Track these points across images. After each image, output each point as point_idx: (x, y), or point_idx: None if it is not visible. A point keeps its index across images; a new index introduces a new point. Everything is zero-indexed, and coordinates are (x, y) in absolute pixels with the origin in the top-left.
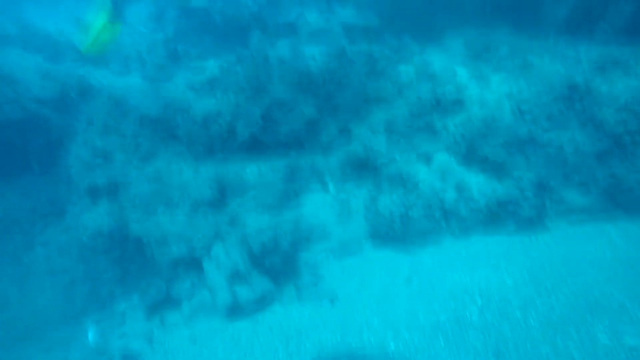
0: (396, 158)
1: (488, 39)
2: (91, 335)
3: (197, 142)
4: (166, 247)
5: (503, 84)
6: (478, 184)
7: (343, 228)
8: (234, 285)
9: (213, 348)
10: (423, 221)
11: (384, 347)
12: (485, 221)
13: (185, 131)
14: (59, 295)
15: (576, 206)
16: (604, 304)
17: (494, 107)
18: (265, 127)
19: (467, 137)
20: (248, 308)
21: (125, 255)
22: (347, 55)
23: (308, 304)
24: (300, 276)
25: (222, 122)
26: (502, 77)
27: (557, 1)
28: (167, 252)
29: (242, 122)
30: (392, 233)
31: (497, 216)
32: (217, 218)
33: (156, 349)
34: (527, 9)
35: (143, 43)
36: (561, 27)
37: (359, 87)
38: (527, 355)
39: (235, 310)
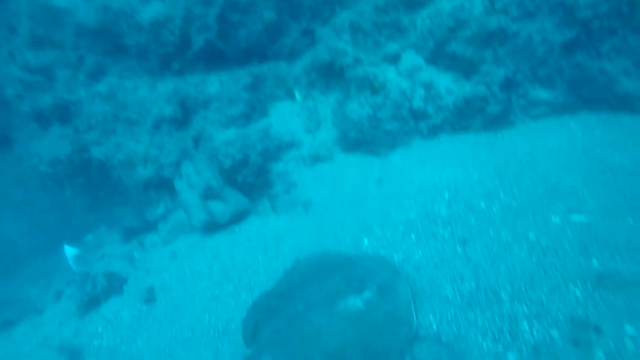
0: (362, 59)
1: None
2: (71, 261)
3: (149, 54)
4: (133, 169)
5: None
6: (446, 82)
7: (312, 135)
8: (208, 202)
9: (194, 262)
10: (392, 122)
11: (358, 245)
12: (453, 120)
13: (133, 42)
14: (30, 228)
15: (541, 100)
16: (559, 189)
17: None
18: (222, 31)
19: (435, 32)
20: (224, 223)
21: (91, 181)
22: None
23: (283, 213)
24: (273, 186)
25: (173, 29)
26: None
27: None
28: (135, 175)
29: (195, 27)
30: (362, 137)
31: (464, 114)
32: (182, 135)
33: (138, 267)
34: None
35: None
36: None
37: None
38: (490, 240)
39: (211, 226)
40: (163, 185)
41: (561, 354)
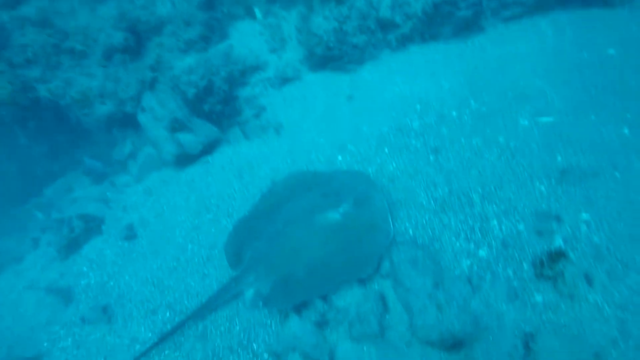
0: None
1: None
2: (43, 209)
3: None
4: (90, 107)
5: None
6: None
7: (277, 55)
8: (176, 135)
9: (170, 195)
10: (359, 36)
11: (332, 162)
12: (422, 29)
13: None
14: None
15: (512, 0)
16: (527, 92)
17: None
18: None
19: None
20: (196, 154)
21: (45, 125)
22: None
23: (255, 138)
24: (242, 113)
25: None
26: None
27: None
28: (93, 113)
29: None
30: (329, 53)
31: (433, 21)
32: (138, 65)
33: (114, 207)
34: None
35: None
36: None
37: None
38: (461, 147)
39: (183, 159)
40: (127, 122)
41: (526, 245)
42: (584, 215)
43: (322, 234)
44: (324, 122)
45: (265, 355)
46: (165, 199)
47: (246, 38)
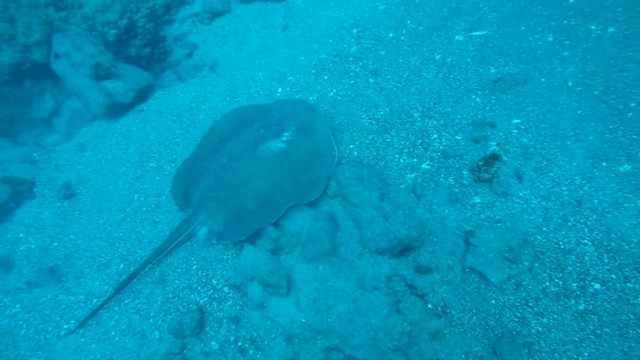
0: None
1: None
2: None
3: None
4: None
5: None
6: None
7: None
8: (102, 83)
9: (107, 149)
10: None
11: (273, 95)
12: None
13: None
14: None
15: None
16: (462, 7)
17: None
18: None
19: None
20: (129, 103)
21: None
22: None
23: (190, 79)
24: (172, 54)
25: None
26: None
27: None
28: None
29: None
30: None
31: None
32: (37, 1)
33: (44, 167)
34: None
35: None
36: None
37: None
38: (400, 67)
39: (115, 109)
40: (40, 73)
41: (464, 152)
42: (515, 120)
43: (268, 164)
44: (260, 55)
45: (226, 289)
46: (102, 153)
47: None
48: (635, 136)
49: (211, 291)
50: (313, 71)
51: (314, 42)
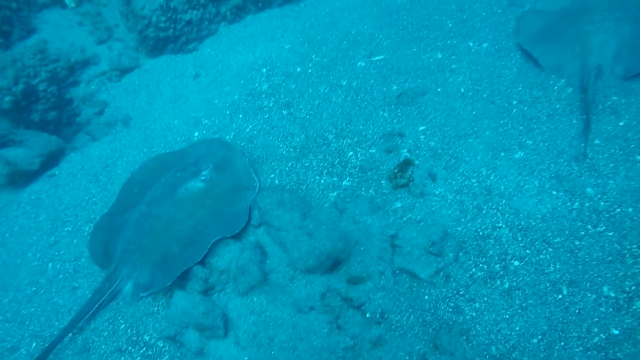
0: None
1: None
2: None
3: None
4: None
5: None
6: None
7: (107, 46)
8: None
9: (11, 221)
10: (190, 12)
11: (190, 140)
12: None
13: None
14: None
15: None
16: (359, 38)
17: None
18: None
19: None
20: (36, 169)
21: None
22: None
23: (103, 137)
24: (82, 114)
25: None
26: None
27: None
28: None
29: None
30: (164, 34)
31: None
32: None
33: None
34: None
35: None
36: None
37: None
38: (311, 97)
39: (19, 177)
40: None
41: (380, 164)
42: (421, 127)
43: (189, 205)
44: (174, 104)
45: (160, 343)
46: (6, 226)
47: (62, 31)
48: (521, 127)
49: (144, 349)
50: (228, 112)
51: (226, 86)
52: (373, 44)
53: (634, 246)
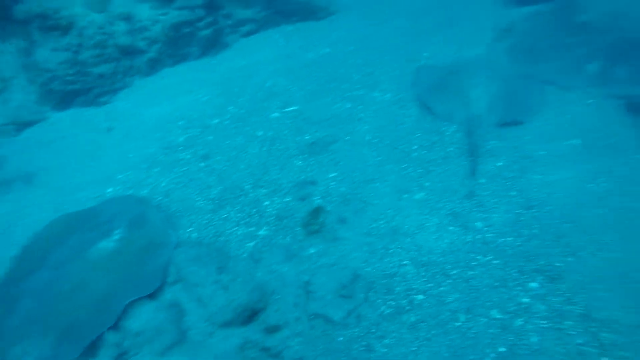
0: None
1: None
2: None
3: None
4: None
5: None
6: (147, 11)
7: (2, 99)
8: None
9: None
10: (102, 65)
11: (102, 196)
12: (170, 51)
13: None
14: None
15: (246, 19)
16: (274, 90)
17: None
18: None
19: None
20: None
21: None
22: None
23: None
24: None
25: None
26: None
27: None
28: None
29: None
30: (72, 87)
31: (179, 42)
32: None
33: None
34: None
35: None
36: None
37: None
38: (228, 148)
39: None
40: None
41: (294, 211)
42: (332, 174)
43: (100, 266)
44: (85, 159)
45: None
46: None
47: None
48: (421, 170)
49: None
50: (143, 166)
51: (141, 139)
52: (287, 95)
53: (513, 271)
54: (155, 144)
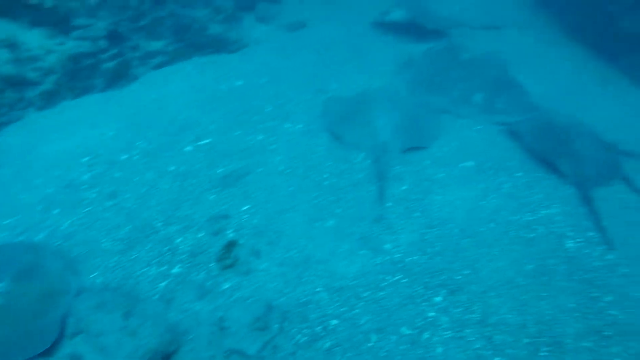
0: None
1: None
2: None
3: None
4: None
5: None
6: (39, 40)
7: None
8: None
9: None
10: None
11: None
12: (69, 84)
13: None
14: None
15: (155, 51)
16: (186, 123)
17: None
18: None
19: None
20: None
21: None
22: None
23: None
24: None
25: None
26: None
27: None
28: None
29: None
30: None
31: (79, 75)
32: None
33: None
34: None
35: None
36: None
37: None
38: (137, 185)
39: None
40: None
41: (208, 247)
42: (245, 207)
43: None
44: None
45: None
46: None
47: None
48: (332, 198)
49: None
50: (39, 207)
51: (36, 178)
52: (199, 128)
53: (420, 287)
54: (54, 182)
